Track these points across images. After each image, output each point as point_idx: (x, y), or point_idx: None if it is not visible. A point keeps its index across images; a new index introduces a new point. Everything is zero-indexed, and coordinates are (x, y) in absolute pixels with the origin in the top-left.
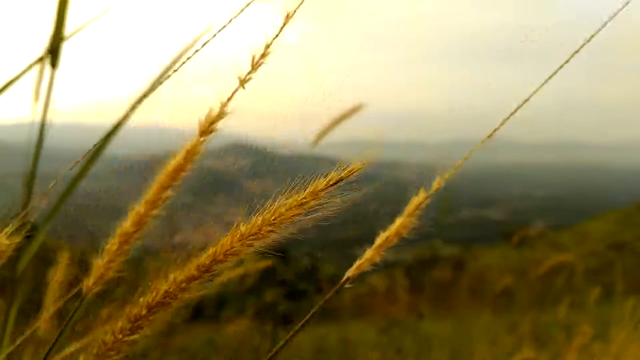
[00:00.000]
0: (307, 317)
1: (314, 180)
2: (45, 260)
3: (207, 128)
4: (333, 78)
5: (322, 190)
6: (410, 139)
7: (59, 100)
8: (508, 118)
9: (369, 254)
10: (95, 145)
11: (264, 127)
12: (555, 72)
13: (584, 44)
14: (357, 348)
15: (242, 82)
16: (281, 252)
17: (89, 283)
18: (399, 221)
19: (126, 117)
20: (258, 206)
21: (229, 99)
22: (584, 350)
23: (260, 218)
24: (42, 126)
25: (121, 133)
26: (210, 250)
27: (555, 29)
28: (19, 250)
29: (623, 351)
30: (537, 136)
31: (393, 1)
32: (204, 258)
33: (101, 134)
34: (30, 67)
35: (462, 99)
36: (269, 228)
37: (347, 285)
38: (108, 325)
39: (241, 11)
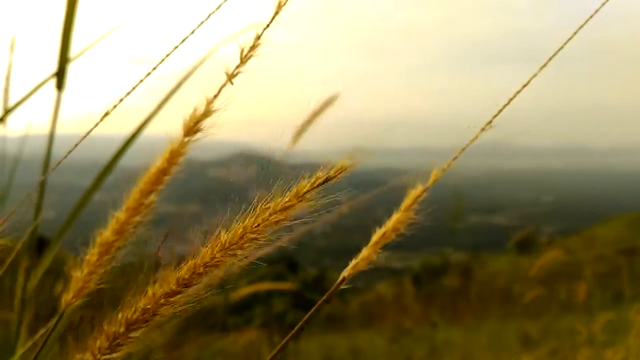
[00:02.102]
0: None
1: (298, 182)
2: (59, 273)
3: (192, 128)
4: (339, 85)
5: (307, 192)
6: (417, 145)
7: (68, 110)
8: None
9: (365, 252)
10: (117, 156)
11: (271, 135)
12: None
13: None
14: (367, 357)
15: (230, 77)
16: (289, 260)
17: (67, 297)
18: (395, 216)
19: (140, 129)
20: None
21: (215, 96)
22: (593, 355)
23: (242, 225)
24: (51, 140)
25: (134, 144)
26: (190, 263)
27: (561, 33)
28: (32, 264)
29: (632, 356)
30: (545, 141)
31: (398, 9)
32: (183, 271)
33: (109, 144)
34: (37, 88)
35: (465, 105)
36: (252, 236)
37: (343, 286)
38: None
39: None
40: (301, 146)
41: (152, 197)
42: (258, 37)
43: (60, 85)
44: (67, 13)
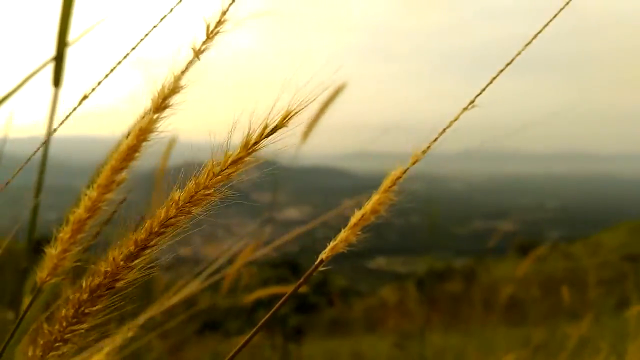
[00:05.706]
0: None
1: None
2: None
3: (161, 104)
4: (345, 89)
5: (256, 142)
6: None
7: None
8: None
9: (343, 234)
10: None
11: (273, 138)
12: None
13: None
14: None
15: (197, 53)
16: (292, 263)
17: (42, 275)
18: (375, 197)
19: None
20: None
21: (182, 72)
22: None
23: (194, 182)
24: (47, 141)
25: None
26: (147, 224)
27: (566, 38)
28: (31, 264)
29: None
30: (550, 147)
31: (401, 13)
32: (140, 233)
33: (107, 145)
34: (30, 76)
35: (470, 110)
36: (205, 192)
37: (321, 268)
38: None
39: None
40: (306, 149)
41: (123, 174)
42: (224, 13)
43: (57, 82)
44: (63, 8)
